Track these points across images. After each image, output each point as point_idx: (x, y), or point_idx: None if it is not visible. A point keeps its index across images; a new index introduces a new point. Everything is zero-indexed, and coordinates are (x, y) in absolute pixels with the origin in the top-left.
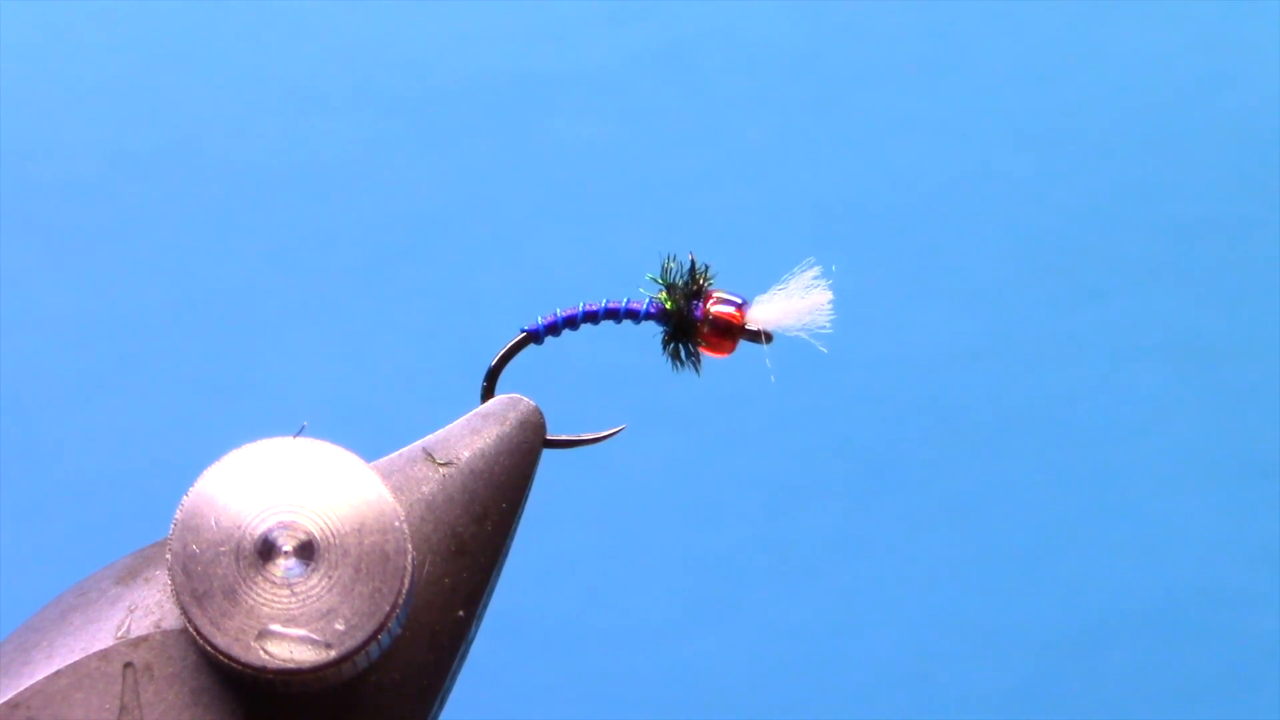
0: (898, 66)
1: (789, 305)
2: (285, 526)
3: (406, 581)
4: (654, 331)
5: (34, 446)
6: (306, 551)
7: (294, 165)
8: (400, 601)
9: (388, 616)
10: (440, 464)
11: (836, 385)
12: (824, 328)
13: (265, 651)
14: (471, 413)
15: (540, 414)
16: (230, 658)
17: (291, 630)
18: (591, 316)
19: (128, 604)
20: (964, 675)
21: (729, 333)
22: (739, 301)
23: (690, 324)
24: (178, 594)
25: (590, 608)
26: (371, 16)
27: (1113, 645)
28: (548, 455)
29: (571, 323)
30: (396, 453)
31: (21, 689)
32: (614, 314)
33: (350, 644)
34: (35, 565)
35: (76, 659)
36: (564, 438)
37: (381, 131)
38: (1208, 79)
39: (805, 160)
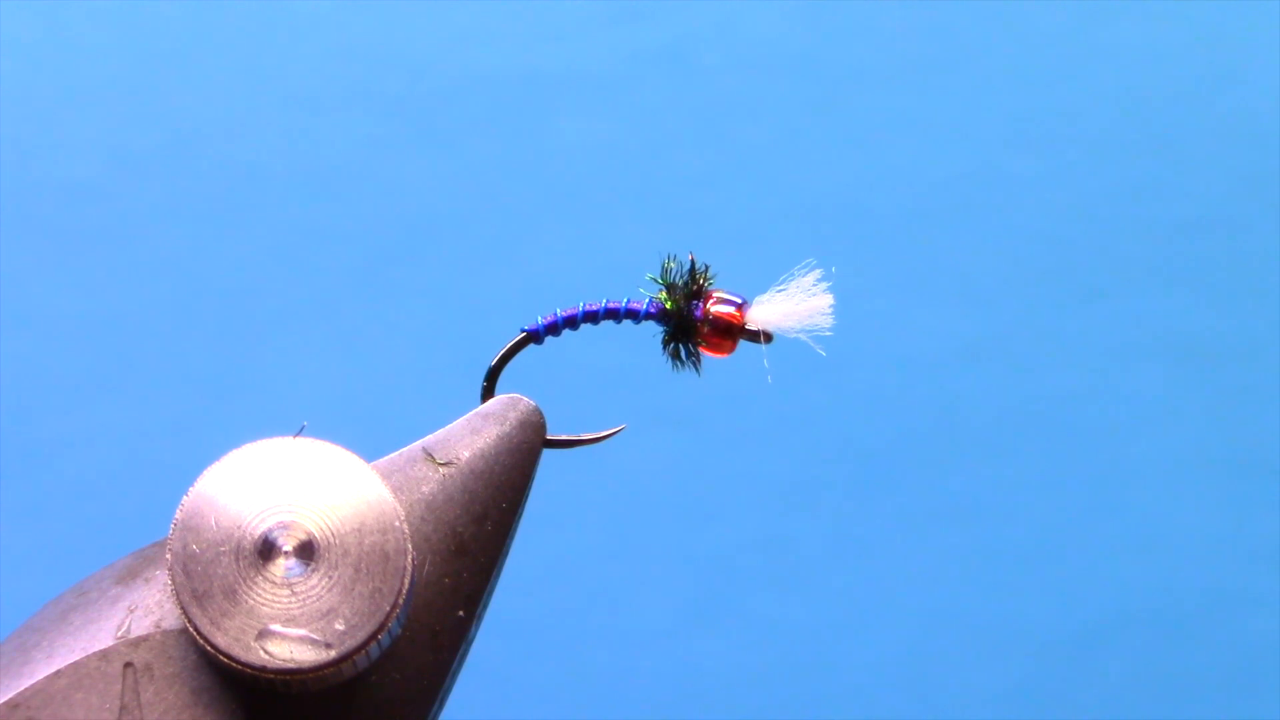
0: (898, 66)
1: (789, 306)
2: (285, 526)
3: (406, 581)
4: (654, 331)
5: (34, 446)
6: (306, 551)
7: (294, 165)
8: (400, 601)
9: (388, 616)
10: (440, 464)
11: (836, 385)
12: (825, 330)
13: (265, 651)
14: (471, 413)
15: (540, 414)
16: (230, 658)
17: (291, 630)
18: (591, 316)
19: (128, 604)
20: (964, 675)
21: (729, 333)
22: (739, 301)
23: (690, 324)
24: (178, 594)
25: (590, 608)
26: (371, 16)
27: (1113, 645)
28: (548, 455)
29: (571, 323)
30: (396, 453)
31: (21, 689)
32: (614, 314)
33: (350, 644)
34: (35, 565)
35: (76, 659)
36: (564, 438)
37: (381, 131)
38: (1208, 79)
39: (805, 160)
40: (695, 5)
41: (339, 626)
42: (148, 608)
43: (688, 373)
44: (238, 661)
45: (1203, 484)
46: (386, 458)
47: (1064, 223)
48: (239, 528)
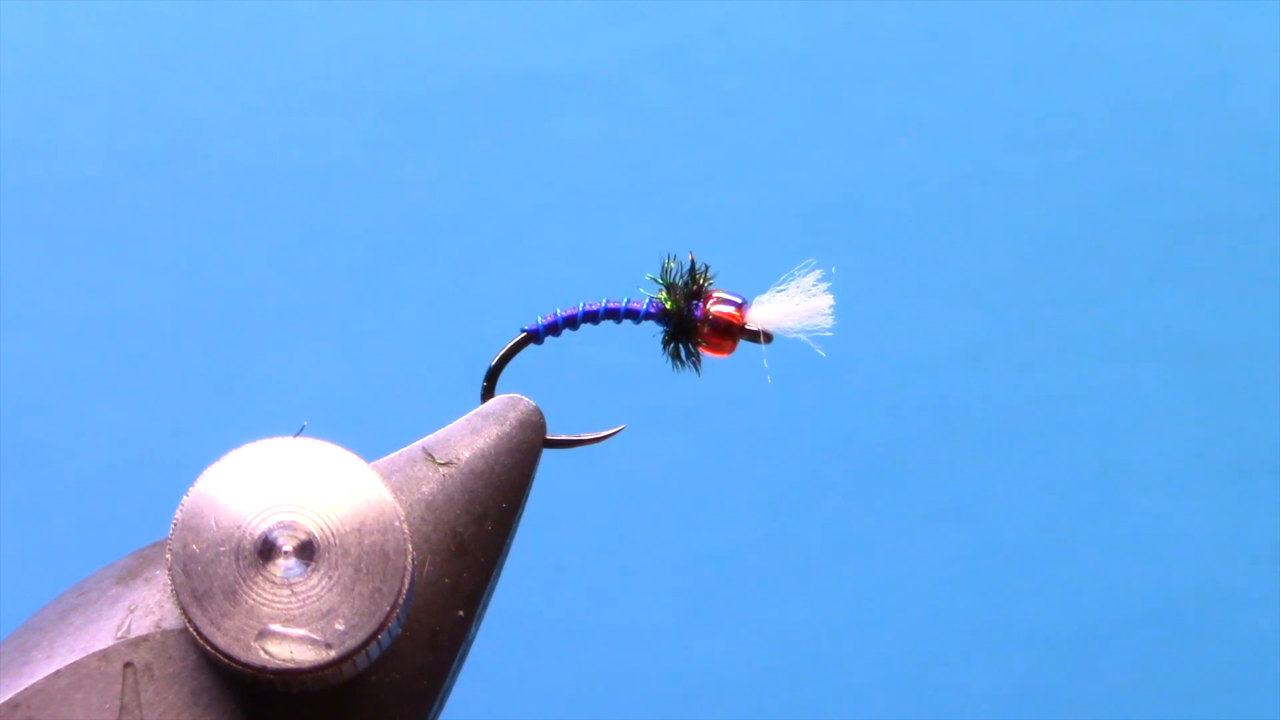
0: (898, 66)
1: (789, 306)
2: (285, 526)
3: (406, 581)
4: (654, 331)
5: (34, 446)
6: (306, 551)
7: (294, 165)
8: (400, 601)
9: (388, 616)
10: (440, 464)
11: (836, 385)
12: (825, 331)
13: (265, 651)
14: (471, 413)
15: (540, 414)
16: (230, 658)
17: (291, 630)
18: (591, 316)
19: (128, 604)
20: (964, 675)
21: (729, 333)
22: (739, 301)
23: (690, 324)
24: (178, 594)
25: (590, 608)
26: (371, 16)
27: (1113, 645)
28: (548, 455)
29: (571, 323)
30: (396, 453)
31: (21, 689)
32: (614, 314)
33: (350, 644)
34: (35, 565)
35: (76, 659)
36: (564, 438)
37: (381, 131)
38: (1208, 79)
39: (805, 160)
40: (695, 5)
41: (339, 626)
42: (148, 608)
43: (688, 373)
44: (238, 661)
45: (1203, 484)
46: (386, 458)
47: (1064, 223)
48: (239, 528)
